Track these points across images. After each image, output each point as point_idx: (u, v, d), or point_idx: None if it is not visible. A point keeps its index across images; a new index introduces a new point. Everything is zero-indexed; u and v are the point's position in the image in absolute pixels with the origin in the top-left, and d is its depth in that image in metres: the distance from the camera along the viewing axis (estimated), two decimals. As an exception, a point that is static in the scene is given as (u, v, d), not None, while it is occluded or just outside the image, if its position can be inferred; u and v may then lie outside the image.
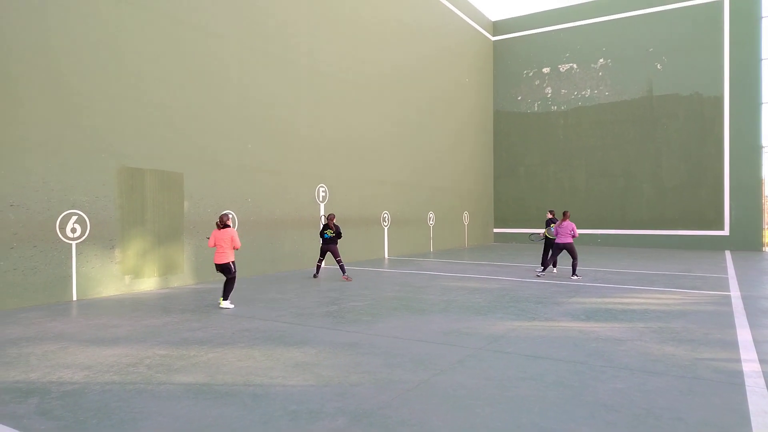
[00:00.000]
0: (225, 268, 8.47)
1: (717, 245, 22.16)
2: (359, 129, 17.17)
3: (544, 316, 7.67)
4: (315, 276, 12.38)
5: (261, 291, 10.33)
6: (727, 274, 12.96)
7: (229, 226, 8.54)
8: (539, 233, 14.18)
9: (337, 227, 12.06)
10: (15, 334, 6.62)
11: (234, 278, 8.58)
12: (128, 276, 10.24)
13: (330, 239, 12.02)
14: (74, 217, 9.34)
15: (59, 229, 9.12)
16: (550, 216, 13.97)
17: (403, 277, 12.45)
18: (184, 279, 11.36)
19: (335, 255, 12.02)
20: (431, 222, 21.64)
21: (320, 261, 12.39)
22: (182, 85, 11.33)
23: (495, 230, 27.69)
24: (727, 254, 19.36)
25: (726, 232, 22.10)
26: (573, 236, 12.30)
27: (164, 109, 10.95)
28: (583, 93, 25.23)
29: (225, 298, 8.52)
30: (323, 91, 15.55)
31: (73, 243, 9.33)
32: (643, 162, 23.81)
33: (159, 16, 10.85)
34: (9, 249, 8.44)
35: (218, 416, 3.88)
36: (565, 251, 12.62)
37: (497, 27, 27.77)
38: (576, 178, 25.45)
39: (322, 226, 12.66)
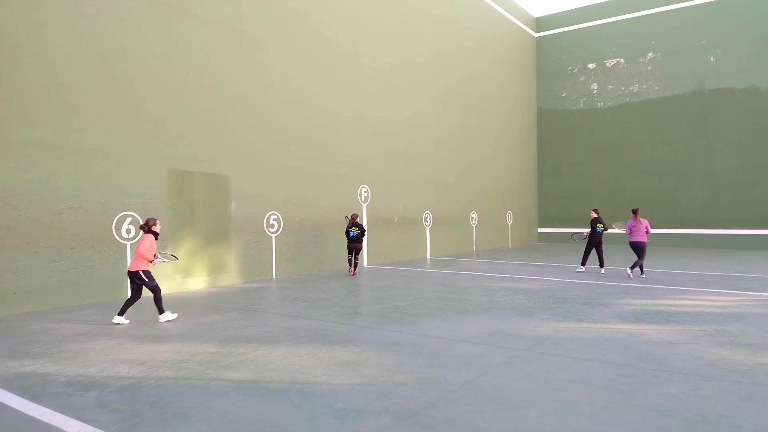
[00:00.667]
0: (132, 276, 7.43)
1: (777, 245, 21.08)
2: (400, 129, 17.20)
3: (591, 318, 7.49)
4: (352, 273, 12.85)
5: (305, 290, 10.49)
6: (788, 276, 12.32)
7: (150, 232, 7.56)
8: (582, 232, 13.86)
9: (360, 225, 12.84)
10: (75, 331, 6.95)
11: (152, 287, 7.50)
12: (179, 275, 10.59)
13: (355, 237, 12.80)
14: (128, 219, 9.73)
15: (115, 230, 9.52)
16: (595, 215, 13.58)
17: (445, 278, 12.40)
18: (231, 278, 11.66)
19: (358, 252, 12.86)
20: (474, 222, 21.45)
21: (349, 257, 13.01)
22: (227, 89, 11.63)
23: (539, 230, 27.20)
24: (788, 255, 18.39)
25: (787, 231, 20.99)
26: (647, 233, 11.87)
27: (211, 113, 11.27)
28: (631, 88, 24.47)
29: (158, 310, 7.57)
30: (364, 92, 15.66)
31: (128, 243, 9.72)
32: (694, 159, 22.89)
33: (204, 23, 11.18)
34: (70, 249, 8.87)
35: (267, 412, 3.98)
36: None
37: (540, 23, 27.27)
38: (623, 176, 24.70)
39: (347, 225, 13.11)
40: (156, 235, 7.67)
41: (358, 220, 13.06)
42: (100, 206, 9.33)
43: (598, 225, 13.27)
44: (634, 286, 10.71)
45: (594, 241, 13.28)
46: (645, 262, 13.80)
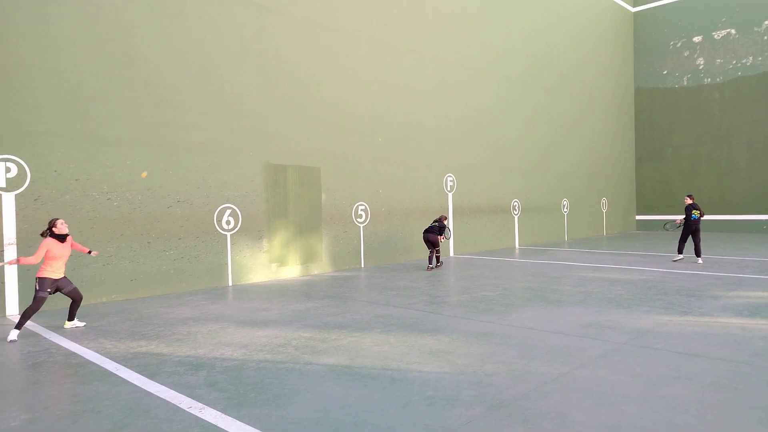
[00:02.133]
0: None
1: None
2: (486, 116, 16.86)
3: (698, 311, 6.98)
4: (429, 268, 11.99)
5: (393, 279, 10.63)
6: None
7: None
8: (675, 221, 12.92)
9: (443, 225, 12.16)
10: (184, 315, 7.53)
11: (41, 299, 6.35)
12: (274, 264, 11.13)
13: (428, 229, 12.05)
14: (228, 211, 10.35)
15: (216, 221, 10.17)
16: (690, 201, 12.58)
17: (535, 267, 12.06)
18: (322, 267, 12.08)
19: (435, 245, 11.96)
20: (565, 210, 20.63)
21: (430, 252, 12.20)
22: (317, 84, 11.97)
23: (637, 217, 25.63)
24: None
25: None
26: None
27: (301, 107, 11.67)
28: (744, 61, 22.29)
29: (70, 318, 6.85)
30: (449, 80, 15.49)
31: (228, 234, 10.35)
32: (822, 136, 20.48)
33: (292, 19, 11.55)
34: (177, 240, 9.60)
35: (360, 396, 4.10)
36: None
37: (638, -4, 25.51)
38: (735, 158, 22.62)
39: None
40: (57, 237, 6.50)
41: (445, 222, 12.28)
42: (204, 199, 10.00)
43: (693, 211, 12.35)
44: (748, 277, 9.83)
45: (690, 229, 12.38)
46: (739, 252, 12.48)
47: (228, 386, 4.43)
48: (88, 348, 5.80)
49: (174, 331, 6.54)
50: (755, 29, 22.01)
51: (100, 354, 5.53)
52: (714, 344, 5.36)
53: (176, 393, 4.29)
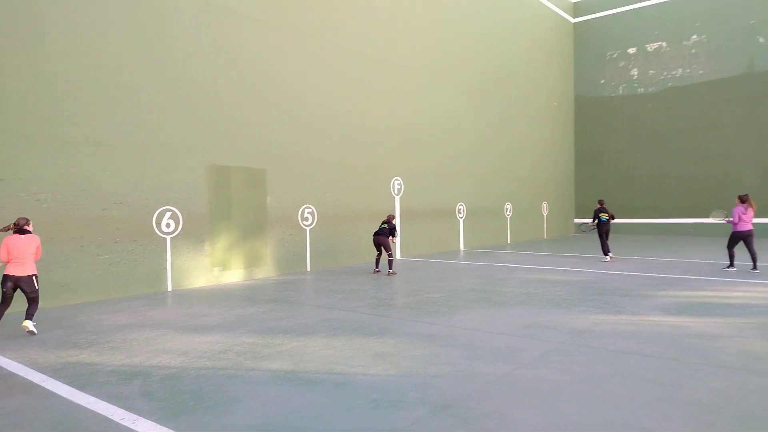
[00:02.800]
0: (27, 282, 6.46)
1: (832, 234, 20.07)
2: (433, 120, 17.07)
3: (631, 310, 7.30)
4: (375, 271, 12.02)
5: (340, 282, 10.57)
6: (844, 266, 11.72)
7: (30, 232, 6.58)
8: (589, 224, 14.07)
9: (392, 226, 11.80)
10: (120, 321, 7.20)
11: (37, 296, 6.62)
12: (217, 268, 10.83)
13: (378, 231, 11.74)
14: (168, 213, 9.99)
15: (156, 224, 9.80)
16: (599, 206, 13.86)
17: (480, 269, 12.30)
18: (267, 271, 11.86)
19: (386, 248, 11.61)
20: (508, 213, 21.17)
21: (378, 255, 12.09)
22: (264, 85, 11.76)
23: (576, 221, 26.63)
24: None
25: (842, 219, 19.96)
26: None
27: (247, 108, 11.43)
28: (674, 73, 23.61)
29: (28, 317, 6.52)
30: (398, 83, 15.60)
31: (168, 237, 9.99)
32: (744, 145, 21.95)
33: (240, 17, 11.32)
34: (113, 243, 9.18)
35: (304, 402, 4.03)
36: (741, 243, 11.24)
37: (578, 8, 26.56)
38: (667, 164, 23.90)
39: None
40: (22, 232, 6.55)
41: (393, 221, 11.95)
42: (142, 201, 9.61)
43: (602, 214, 13.59)
44: (676, 278, 10.38)
45: (602, 230, 13.61)
46: (687, 252, 13.38)
47: (165, 395, 4.26)
48: (11, 359, 5.43)
49: (108, 338, 6.24)
50: (684, 43, 23.36)
51: (25, 365, 5.19)
52: (645, 342, 5.61)
53: (108, 404, 4.08)
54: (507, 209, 21.07)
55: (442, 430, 3.48)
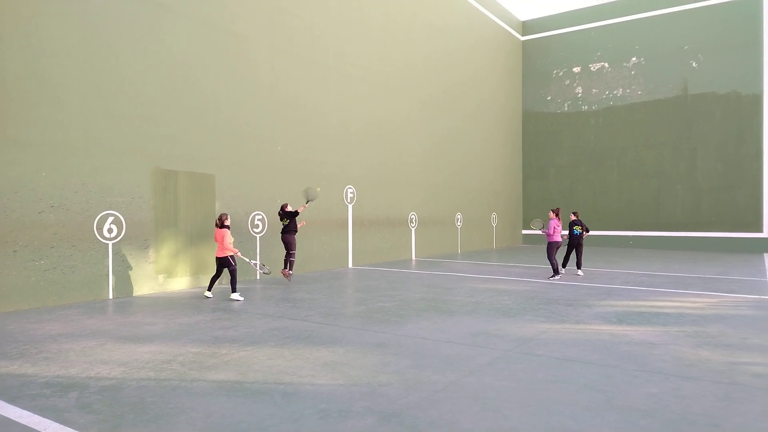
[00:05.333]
0: (224, 261, 9.40)
1: (755, 248, 21.47)
2: (388, 131, 17.21)
3: (574, 319, 7.56)
4: (285, 275, 11.43)
5: (290, 291, 10.44)
6: (765, 278, 12.55)
7: (226, 227, 9.38)
8: (542, 227, 14.16)
9: (289, 213, 11.22)
10: (55, 331, 6.85)
11: (233, 270, 9.37)
12: (162, 275, 10.48)
13: (284, 229, 11.32)
14: (111, 218, 9.61)
15: (96, 229, 9.40)
16: (573, 218, 13.78)
17: (430, 279, 12.43)
18: (215, 279, 11.56)
19: (290, 247, 11.26)
20: (459, 223, 21.54)
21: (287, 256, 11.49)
22: (213, 88, 11.54)
23: (524, 232, 27.39)
24: (766, 257, 18.74)
25: (764, 234, 21.41)
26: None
27: (196, 111, 11.18)
28: (615, 92, 24.77)
29: (233, 290, 9.35)
30: (351, 93, 15.64)
31: (110, 243, 9.60)
32: (677, 162, 23.24)
33: (190, 20, 11.09)
34: (50, 248, 8.74)
35: (250, 413, 3.95)
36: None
37: (526, 26, 27.49)
38: (607, 179, 24.99)
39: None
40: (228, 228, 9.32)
41: (288, 208, 11.30)
42: (82, 205, 9.20)
43: (576, 227, 13.54)
44: (617, 287, 10.83)
45: (573, 243, 13.54)
46: (610, 265, 13.99)
47: (102, 408, 4.07)
48: (-68, 371, 5.07)
49: (42, 348, 5.92)
50: (624, 64, 24.56)
51: (-52, 377, 4.86)
52: (587, 350, 5.82)
53: (41, 418, 3.87)
54: (458, 219, 21.42)
55: (390, 439, 3.49)
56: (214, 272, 11.48)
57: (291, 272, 11.42)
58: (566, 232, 13.84)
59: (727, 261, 17.20)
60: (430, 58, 19.65)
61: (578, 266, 13.36)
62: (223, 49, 11.77)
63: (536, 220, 13.35)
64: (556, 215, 12.74)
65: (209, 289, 9.61)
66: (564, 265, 13.59)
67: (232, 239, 9.55)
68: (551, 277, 12.29)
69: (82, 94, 9.22)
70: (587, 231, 13.51)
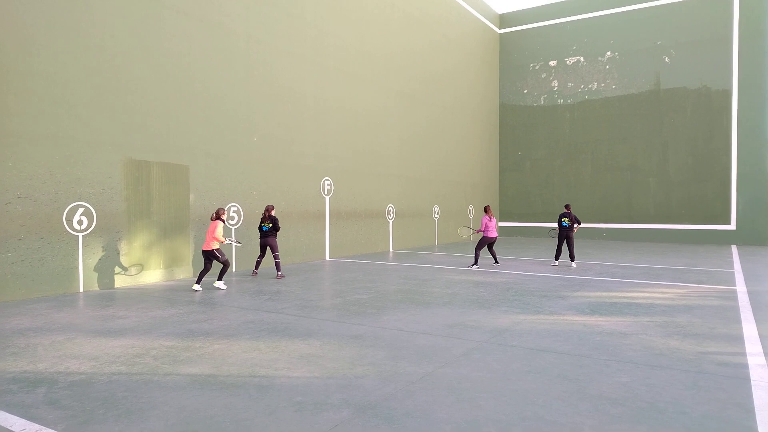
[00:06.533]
0: (209, 254, 9.45)
1: (723, 240, 22.05)
2: (366, 123, 17.14)
3: (548, 310, 7.67)
4: (254, 273, 11.67)
5: (266, 284, 10.36)
6: (733, 269, 12.90)
7: (221, 220, 9.55)
8: (555, 228, 14.26)
9: (275, 219, 11.26)
10: (23, 325, 6.68)
11: (225, 261, 9.53)
12: (134, 268, 10.30)
13: (267, 232, 11.29)
14: (81, 209, 9.39)
15: (66, 221, 9.17)
16: (565, 210, 13.89)
17: (407, 270, 12.47)
18: (189, 271, 11.42)
19: (273, 250, 11.29)
20: (436, 216, 21.62)
21: (260, 257, 11.65)
22: (188, 78, 11.33)
23: (500, 224, 27.64)
24: (734, 249, 19.27)
25: (733, 226, 21.98)
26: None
27: (170, 101, 10.96)
28: (590, 86, 25.07)
29: (219, 278, 9.66)
30: (329, 84, 15.52)
31: (80, 235, 9.38)
32: (650, 156, 23.68)
33: (162, 7, 10.85)
34: (17, 240, 8.50)
35: (224, 406, 3.91)
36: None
37: (504, 19, 27.60)
38: (582, 171, 25.34)
39: (260, 219, 11.65)
40: (223, 221, 9.54)
41: (273, 212, 11.39)
42: (51, 196, 8.97)
43: (564, 219, 13.66)
44: (590, 279, 11.01)
45: (562, 235, 13.69)
46: (600, 255, 14.17)
47: (72, 403, 3.99)
48: None
49: (8, 343, 5.76)
50: (599, 59, 24.87)
51: None
52: (560, 340, 5.91)
53: (8, 414, 3.77)
54: (435, 212, 21.51)
55: (365, 431, 3.49)
56: (188, 264, 11.35)
57: (281, 273, 11.33)
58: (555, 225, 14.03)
59: (697, 252, 17.64)
60: (408, 49, 19.60)
61: (571, 258, 13.49)
62: (198, 38, 11.55)
63: (462, 227, 14.66)
64: (486, 212, 13.33)
65: (198, 282, 9.42)
66: (557, 258, 13.91)
67: (221, 232, 9.48)
68: (471, 265, 13.16)
69: (50, 83, 8.96)
70: (578, 223, 13.68)
